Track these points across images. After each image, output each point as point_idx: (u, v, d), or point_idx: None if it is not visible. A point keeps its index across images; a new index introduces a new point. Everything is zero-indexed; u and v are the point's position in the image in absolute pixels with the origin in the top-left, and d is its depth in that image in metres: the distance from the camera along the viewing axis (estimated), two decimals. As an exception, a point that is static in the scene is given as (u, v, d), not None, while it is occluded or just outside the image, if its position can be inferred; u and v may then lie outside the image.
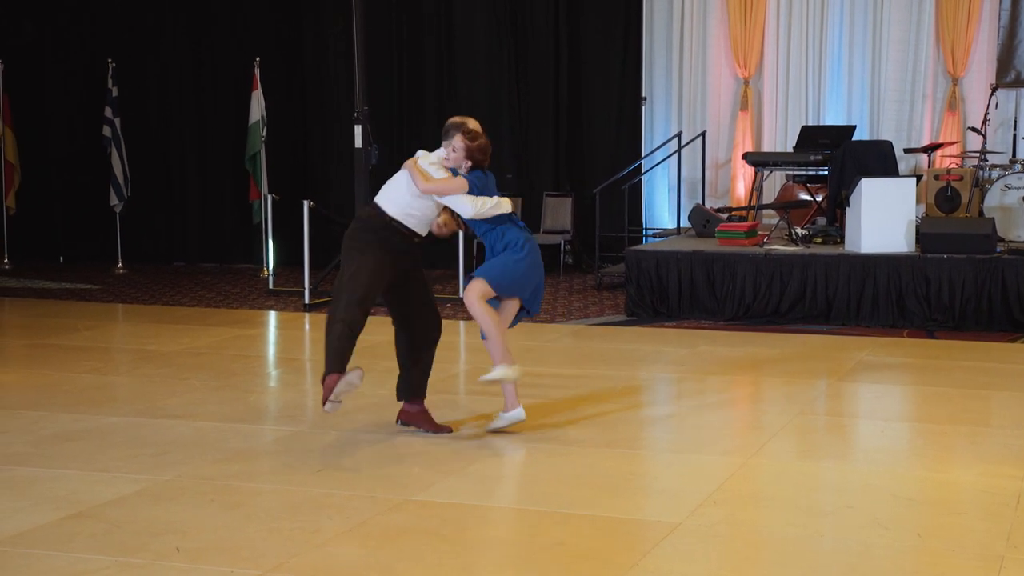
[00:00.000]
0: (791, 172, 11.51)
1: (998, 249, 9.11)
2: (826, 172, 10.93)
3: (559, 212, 12.89)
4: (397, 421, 6.01)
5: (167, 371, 7.66)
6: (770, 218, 11.94)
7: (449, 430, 5.93)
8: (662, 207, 13.13)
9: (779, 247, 9.76)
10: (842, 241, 9.83)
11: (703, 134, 12.52)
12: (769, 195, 12.20)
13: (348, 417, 6.27)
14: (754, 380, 7.51)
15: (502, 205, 5.78)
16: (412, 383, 5.97)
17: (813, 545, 4.37)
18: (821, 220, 10.85)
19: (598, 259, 11.76)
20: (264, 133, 12.81)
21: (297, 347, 9.17)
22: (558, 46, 13.10)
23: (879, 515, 4.63)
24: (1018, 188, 9.93)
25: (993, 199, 10.07)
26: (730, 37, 12.70)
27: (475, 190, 5.73)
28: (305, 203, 10.83)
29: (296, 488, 5.03)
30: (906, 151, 11.55)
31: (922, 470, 5.33)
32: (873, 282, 9.16)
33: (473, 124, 5.88)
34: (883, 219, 9.30)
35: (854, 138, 11.22)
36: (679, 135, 12.49)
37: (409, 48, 13.49)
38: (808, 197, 11.41)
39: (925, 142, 11.86)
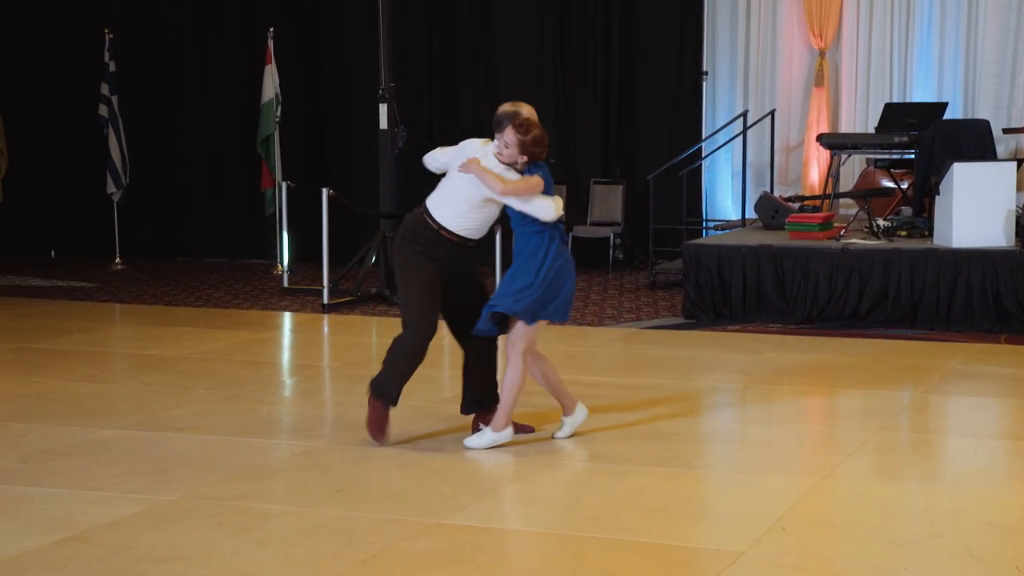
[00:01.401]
0: (872, 156, 11.46)
1: (1110, 243, 9.03)
2: (913, 156, 10.87)
3: (608, 201, 12.90)
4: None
5: (170, 379, 7.75)
6: (848, 208, 11.88)
7: (531, 429, 6.16)
8: (725, 196, 13.10)
9: (858, 241, 9.72)
10: (931, 234, 9.77)
11: (772, 113, 12.48)
12: (847, 182, 12.15)
13: (371, 431, 6.33)
14: (828, 391, 7.48)
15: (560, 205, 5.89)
16: (475, 396, 6.18)
17: (895, 578, 4.37)
18: (907, 210, 10.81)
19: (652, 254, 11.76)
20: (278, 113, 12.93)
21: (315, 352, 9.25)
22: (608, 14, 13.11)
23: (972, 546, 4.61)
24: None
25: (1105, 185, 9.98)
26: (804, 2, 12.64)
27: (548, 189, 5.82)
28: (324, 191, 10.91)
29: (313, 510, 5.08)
30: (1005, 131, 11.45)
31: (1021, 495, 5.29)
32: (966, 281, 9.09)
33: (527, 112, 5.93)
34: (978, 209, 9.24)
35: (945, 117, 11.15)
36: (745, 114, 12.46)
37: (440, 18, 13.56)
38: (892, 184, 11.35)
39: (1028, 121, 11.77)
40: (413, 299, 5.95)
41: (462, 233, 5.95)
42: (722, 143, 12.57)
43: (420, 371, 6.03)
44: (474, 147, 5.99)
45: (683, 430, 6.43)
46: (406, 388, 6.06)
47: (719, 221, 12.72)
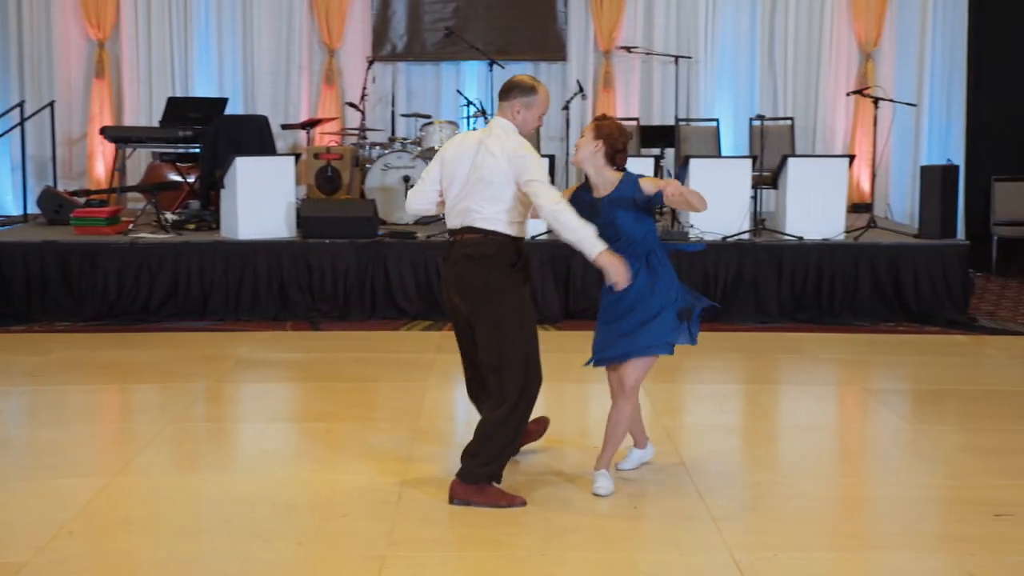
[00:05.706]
0: (158, 149, 11.46)
1: (380, 232, 9.77)
2: (198, 150, 11.03)
3: None
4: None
5: None
6: (136, 202, 11.83)
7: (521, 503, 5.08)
8: (5, 190, 12.53)
9: (147, 235, 9.69)
10: (218, 227, 9.98)
11: (51, 104, 12.06)
12: (134, 176, 12.07)
13: None
14: (121, 388, 7.40)
15: None
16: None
17: (189, 568, 4.41)
18: (195, 203, 10.94)
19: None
20: None
21: None
22: None
23: (259, 527, 4.78)
24: (399, 168, 10.71)
25: (374, 179, 10.77)
26: (85, -5, 12.38)
27: None
28: None
29: None
30: (283, 127, 11.99)
31: (306, 473, 5.57)
32: (253, 271, 9.40)
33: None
34: (261, 202, 9.58)
35: (227, 112, 11.44)
36: (22, 104, 11.91)
37: None
38: (179, 178, 11.44)
39: (303, 117, 12.41)
40: (520, 341, 4.89)
41: (517, 234, 5.08)
42: (-1, 135, 11.95)
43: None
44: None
45: (-38, 441, 6.02)
46: None
47: (0, 217, 12.08)
